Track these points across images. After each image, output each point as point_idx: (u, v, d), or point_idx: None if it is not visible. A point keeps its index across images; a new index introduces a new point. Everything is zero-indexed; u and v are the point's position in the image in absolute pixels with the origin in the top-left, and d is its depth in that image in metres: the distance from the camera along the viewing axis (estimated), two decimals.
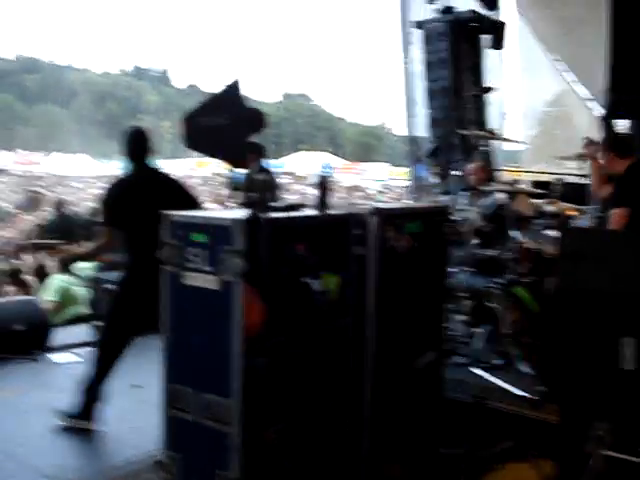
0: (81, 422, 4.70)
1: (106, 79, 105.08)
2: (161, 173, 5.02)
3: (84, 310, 7.98)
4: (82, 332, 7.35)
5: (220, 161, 4.94)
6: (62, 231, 10.48)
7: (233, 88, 3.77)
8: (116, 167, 50.57)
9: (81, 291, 8.17)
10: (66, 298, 8.01)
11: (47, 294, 7.94)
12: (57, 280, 8.16)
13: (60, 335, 6.96)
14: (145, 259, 4.48)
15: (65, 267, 8.51)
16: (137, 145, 4.86)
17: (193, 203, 4.89)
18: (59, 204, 11.92)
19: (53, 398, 5.42)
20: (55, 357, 6.47)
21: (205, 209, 4.89)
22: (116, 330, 4.81)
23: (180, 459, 3.37)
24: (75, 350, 6.66)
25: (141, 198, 4.67)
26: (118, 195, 4.76)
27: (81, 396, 4.74)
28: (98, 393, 4.76)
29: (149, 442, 4.23)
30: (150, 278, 4.40)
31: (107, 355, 4.80)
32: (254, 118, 3.75)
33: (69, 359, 6.45)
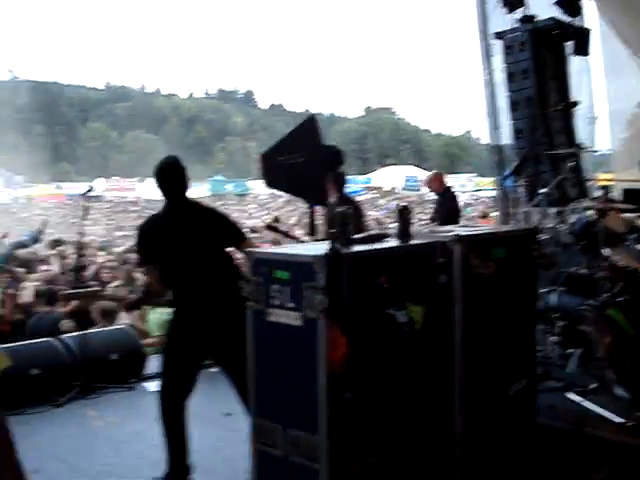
0: None
1: (193, 103, 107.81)
2: (200, 206, 4.68)
3: None
4: None
5: (300, 198, 4.89)
6: None
7: (309, 124, 3.79)
8: (206, 190, 51.84)
9: None
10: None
11: (150, 329, 8.16)
12: (158, 314, 8.30)
13: (155, 363, 7.12)
14: (189, 295, 4.40)
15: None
16: (170, 178, 4.51)
17: (237, 235, 4.57)
18: None
19: (148, 427, 5.55)
20: (150, 385, 6.61)
21: (249, 240, 4.62)
22: (172, 384, 4.57)
23: None
24: None
25: (177, 233, 4.39)
26: (152, 232, 4.50)
27: (169, 465, 4.51)
28: (181, 463, 4.50)
29: (240, 472, 4.29)
30: (198, 313, 4.42)
31: (169, 414, 4.57)
32: (331, 156, 3.75)
33: None
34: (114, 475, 4.71)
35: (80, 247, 6.87)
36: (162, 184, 4.48)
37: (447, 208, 9.24)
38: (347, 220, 3.31)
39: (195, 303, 4.36)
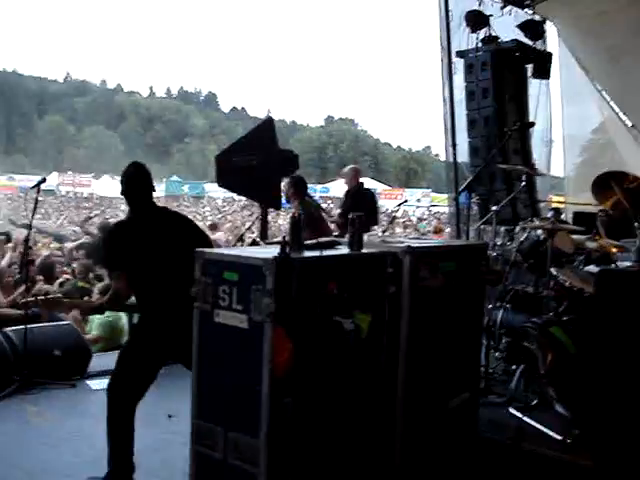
0: None
1: (153, 102, 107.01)
2: (168, 211, 4.75)
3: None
4: None
5: (251, 200, 4.88)
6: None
7: (266, 127, 3.79)
8: (161, 190, 51.41)
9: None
10: (110, 332, 8.10)
11: (91, 328, 8.07)
12: (108, 316, 8.19)
13: (99, 361, 7.03)
14: (159, 300, 4.34)
15: None
16: (137, 184, 4.48)
17: (204, 241, 4.51)
18: (103, 227, 12.02)
19: (88, 426, 5.48)
20: (93, 384, 6.52)
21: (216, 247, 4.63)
22: (128, 388, 4.41)
23: None
24: None
25: (148, 239, 4.34)
26: (121, 238, 4.42)
27: (110, 465, 4.37)
28: (127, 461, 4.36)
29: (180, 475, 4.24)
30: (167, 319, 4.36)
31: (120, 414, 4.40)
32: (287, 160, 3.75)
33: (105, 386, 6.48)
34: (50, 472, 4.63)
35: (27, 240, 6.73)
36: (129, 190, 4.44)
37: (366, 207, 9.07)
38: (299, 225, 3.32)
39: (164, 308, 4.30)
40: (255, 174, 3.67)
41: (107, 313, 8.12)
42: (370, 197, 9.86)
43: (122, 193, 4.48)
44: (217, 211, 40.04)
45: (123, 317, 8.25)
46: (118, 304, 4.36)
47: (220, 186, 4.27)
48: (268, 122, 3.70)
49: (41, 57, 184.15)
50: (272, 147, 3.65)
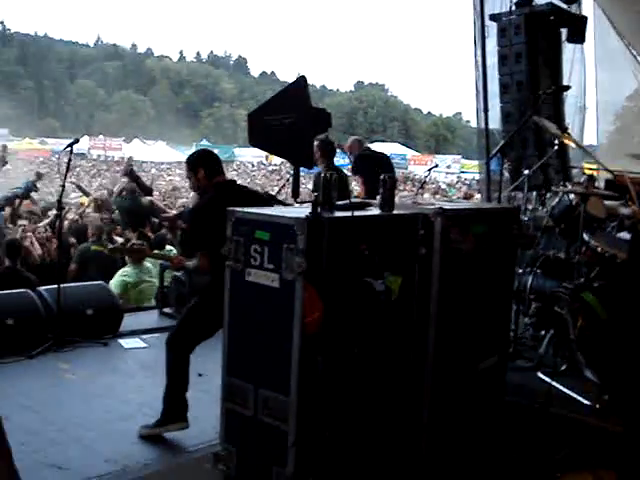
0: (169, 426, 4.63)
1: (183, 66, 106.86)
2: (248, 189, 5.00)
3: (148, 303, 8.16)
4: (151, 318, 7.54)
5: (284, 159, 4.91)
6: (132, 215, 10.75)
7: (299, 86, 3.76)
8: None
9: (149, 286, 8.33)
10: (130, 293, 8.20)
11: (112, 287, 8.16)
12: (120, 276, 8.31)
13: (130, 321, 7.13)
14: None
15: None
16: (216, 163, 4.79)
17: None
18: (132, 190, 12.08)
19: (120, 383, 5.58)
20: (124, 342, 6.63)
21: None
22: (189, 341, 4.71)
23: (237, 452, 3.41)
24: (143, 336, 6.83)
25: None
26: (205, 220, 4.58)
27: (165, 404, 4.68)
28: (182, 400, 4.69)
29: (209, 433, 4.33)
30: None
31: (180, 362, 4.73)
32: (320, 118, 3.72)
33: (137, 344, 6.60)
34: (82, 427, 4.72)
35: (60, 200, 6.79)
36: (210, 170, 4.67)
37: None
38: (331, 185, 3.31)
39: None
40: (288, 133, 3.66)
41: (127, 273, 8.27)
42: (385, 159, 9.55)
43: (197, 175, 4.67)
44: (246, 175, 40.01)
45: (144, 280, 8.36)
46: (202, 273, 4.59)
47: (252, 145, 4.27)
48: (301, 81, 3.67)
49: (72, 21, 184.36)
50: (305, 106, 3.62)
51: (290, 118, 3.64)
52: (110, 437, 4.60)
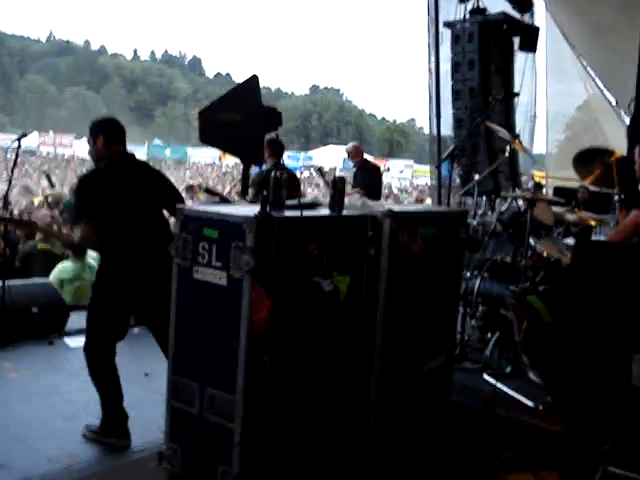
0: (109, 439, 4.52)
1: (137, 64, 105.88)
2: (147, 165, 4.94)
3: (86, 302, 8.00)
4: None
5: (234, 156, 4.91)
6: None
7: (251, 84, 3.76)
8: (143, 154, 51.08)
9: (87, 284, 8.19)
10: (65, 290, 8.03)
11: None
12: (56, 271, 8.14)
13: (77, 319, 7.03)
14: (127, 250, 4.42)
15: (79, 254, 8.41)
16: (117, 134, 4.63)
17: (178, 200, 4.65)
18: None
19: (65, 382, 5.51)
20: (70, 341, 6.54)
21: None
22: (103, 341, 4.54)
23: (182, 452, 3.39)
24: None
25: (124, 189, 4.45)
26: (95, 186, 4.46)
27: (103, 415, 4.58)
28: (119, 410, 4.56)
29: (154, 432, 4.29)
30: (134, 269, 4.42)
31: (104, 369, 4.57)
32: (270, 116, 3.72)
33: (83, 343, 6.50)
34: (26, 426, 4.65)
35: (6, 196, 6.68)
36: (111, 138, 4.53)
37: (368, 182, 9.40)
38: (280, 184, 3.31)
39: (132, 258, 4.37)
40: (238, 130, 3.65)
41: (66, 268, 8.11)
42: (377, 172, 10.22)
43: (97, 144, 4.55)
44: (199, 175, 39.76)
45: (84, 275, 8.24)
46: (87, 245, 4.45)
47: (202, 142, 4.25)
48: (253, 79, 3.67)
49: (24, 16, 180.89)
50: (256, 104, 3.62)
51: (241, 116, 3.64)
52: (54, 436, 4.55)
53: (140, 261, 4.36)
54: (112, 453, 4.40)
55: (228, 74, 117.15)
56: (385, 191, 27.20)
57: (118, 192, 4.39)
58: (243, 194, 4.12)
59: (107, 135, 4.57)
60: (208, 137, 4.07)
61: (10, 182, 6.70)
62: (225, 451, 3.17)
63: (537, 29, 10.62)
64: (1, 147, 44.59)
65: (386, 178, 31.78)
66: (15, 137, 6.57)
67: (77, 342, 6.45)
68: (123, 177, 4.50)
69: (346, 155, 10.21)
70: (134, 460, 4.31)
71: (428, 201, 18.17)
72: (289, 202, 3.40)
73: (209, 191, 5.73)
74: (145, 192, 4.53)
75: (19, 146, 6.37)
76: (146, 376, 5.57)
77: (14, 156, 6.61)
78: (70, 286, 7.95)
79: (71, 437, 4.55)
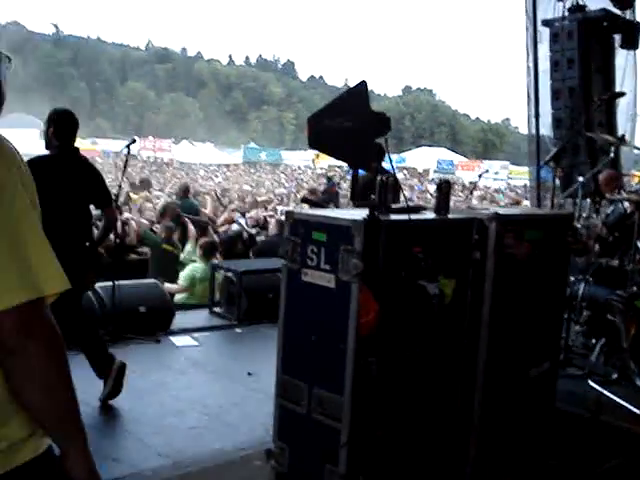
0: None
1: (232, 69, 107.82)
2: (86, 160, 5.22)
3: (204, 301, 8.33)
4: (201, 317, 7.66)
5: (344, 162, 4.97)
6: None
7: (359, 90, 3.81)
8: (239, 157, 51.87)
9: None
10: (196, 288, 8.41)
11: (181, 279, 8.50)
12: (189, 270, 8.62)
13: (181, 319, 7.26)
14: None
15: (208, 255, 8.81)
16: (69, 126, 4.95)
17: (107, 198, 5.15)
18: (185, 190, 12.37)
19: (172, 379, 5.69)
20: (176, 340, 6.75)
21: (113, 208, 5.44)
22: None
23: (290, 450, 3.47)
24: (194, 334, 6.94)
25: (62, 178, 4.75)
26: (38, 170, 4.73)
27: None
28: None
29: (259, 431, 4.40)
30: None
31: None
32: (379, 121, 3.76)
33: (188, 342, 6.71)
34: (136, 421, 4.83)
35: (117, 199, 6.94)
36: (59, 130, 4.89)
37: None
38: (387, 188, 3.36)
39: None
40: (348, 136, 3.70)
41: (198, 269, 8.54)
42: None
43: (48, 133, 4.91)
44: (293, 178, 40.19)
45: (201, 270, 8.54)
46: None
47: (312, 148, 4.32)
48: (362, 85, 3.71)
49: (123, 24, 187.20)
50: (365, 109, 3.67)
51: (350, 121, 3.69)
52: (163, 432, 4.69)
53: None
54: (218, 450, 4.51)
55: (321, 77, 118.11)
56: (481, 192, 26.87)
57: (52, 180, 4.58)
58: (353, 199, 4.17)
59: (57, 126, 4.91)
60: (317, 143, 4.14)
61: (120, 187, 6.97)
62: (332, 451, 3.24)
63: (639, 25, 10.28)
64: (104, 151, 46.25)
65: (482, 179, 31.34)
66: (121, 144, 6.84)
67: (183, 341, 6.68)
68: (61, 168, 4.83)
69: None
70: (241, 457, 4.40)
71: (525, 203, 17.84)
72: (395, 206, 3.44)
73: (307, 200, 5.84)
74: (76, 185, 4.86)
75: (129, 152, 6.62)
76: (249, 375, 5.69)
77: (123, 161, 6.88)
78: (201, 285, 8.40)
79: (179, 433, 4.69)
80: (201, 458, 4.42)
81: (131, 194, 14.55)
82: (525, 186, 29.81)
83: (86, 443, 1.73)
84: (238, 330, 7.19)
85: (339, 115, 3.74)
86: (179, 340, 6.68)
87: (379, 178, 3.32)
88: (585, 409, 4.61)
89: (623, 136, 8.04)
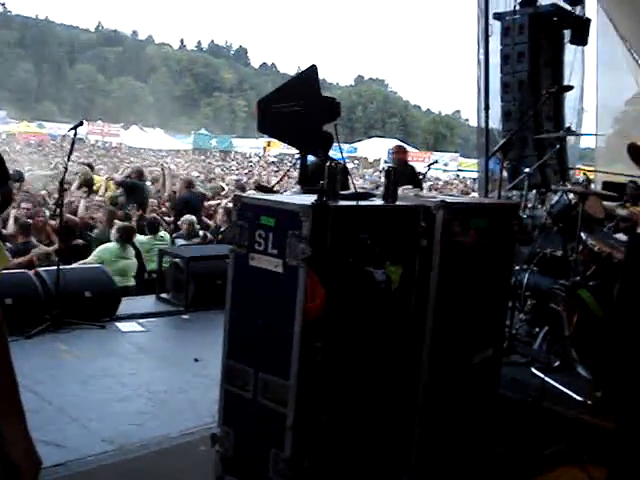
0: None
1: (184, 54, 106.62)
2: None
3: (129, 283, 8.21)
4: (148, 303, 7.59)
5: (292, 147, 4.95)
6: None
7: (310, 74, 3.78)
8: (189, 143, 51.33)
9: (129, 263, 8.41)
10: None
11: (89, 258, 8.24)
12: (101, 250, 8.42)
13: (127, 305, 7.18)
14: None
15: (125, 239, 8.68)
16: None
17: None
18: (140, 173, 12.45)
19: (117, 365, 5.64)
20: (122, 325, 6.68)
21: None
22: None
23: (235, 435, 3.46)
24: (140, 320, 6.88)
25: None
26: None
27: None
28: None
29: (205, 416, 4.39)
30: None
31: None
32: (329, 107, 3.75)
33: (135, 328, 6.65)
34: (80, 407, 4.78)
35: (62, 181, 6.82)
36: None
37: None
38: (335, 174, 3.35)
39: None
40: (297, 121, 3.68)
41: (110, 249, 8.48)
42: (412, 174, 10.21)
43: None
44: (244, 166, 39.97)
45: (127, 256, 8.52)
46: None
47: (260, 132, 4.29)
48: (312, 69, 3.69)
49: (73, 5, 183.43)
50: (315, 94, 3.65)
51: (300, 106, 3.67)
52: (107, 417, 4.66)
53: None
54: (164, 435, 4.49)
55: (274, 64, 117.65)
56: (431, 183, 27.09)
57: None
58: (300, 184, 4.16)
59: None
60: (266, 127, 4.11)
61: (66, 169, 6.85)
62: (277, 435, 3.23)
63: (588, 21, 10.46)
64: (51, 135, 45.39)
65: (432, 171, 31.58)
66: (66, 127, 6.72)
67: (128, 327, 6.62)
68: None
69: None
70: (185, 443, 4.39)
71: (474, 194, 18.06)
72: (344, 192, 3.45)
73: (260, 187, 5.82)
74: None
75: (75, 134, 6.50)
76: (196, 361, 5.67)
77: (69, 144, 6.76)
78: (113, 265, 8.17)
79: (124, 418, 4.66)
80: (146, 444, 4.40)
81: (95, 176, 14.34)
82: (474, 178, 30.18)
83: (26, 426, 1.71)
84: (185, 316, 7.15)
85: (289, 99, 3.72)
86: (125, 326, 6.62)
87: (328, 164, 3.32)
88: (528, 396, 4.70)
89: (569, 127, 8.18)
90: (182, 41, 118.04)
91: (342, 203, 3.32)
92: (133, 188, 11.68)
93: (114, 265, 8.11)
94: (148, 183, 13.67)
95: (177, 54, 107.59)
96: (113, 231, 8.80)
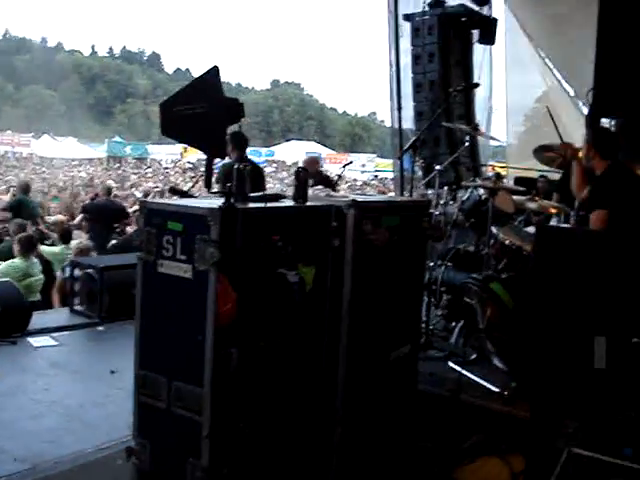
0: None
1: (95, 61, 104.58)
2: None
3: (34, 299, 7.98)
4: (61, 316, 7.36)
5: (197, 149, 4.89)
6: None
7: (212, 75, 3.74)
8: (103, 151, 50.37)
9: (36, 280, 8.18)
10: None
11: None
12: (6, 267, 8.19)
13: (39, 319, 6.94)
14: None
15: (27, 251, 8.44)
16: None
17: None
18: (26, 187, 12.24)
19: (30, 382, 5.43)
20: (34, 340, 6.45)
21: None
22: None
23: (151, 446, 3.38)
24: (54, 334, 6.65)
25: None
26: None
27: None
28: None
29: (122, 429, 4.26)
30: None
31: None
32: (232, 108, 3.71)
33: (47, 343, 6.43)
34: None
35: None
36: None
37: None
38: (244, 176, 3.31)
39: None
40: (200, 123, 3.63)
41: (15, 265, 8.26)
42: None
43: None
44: (160, 173, 39.44)
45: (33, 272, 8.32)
46: None
47: (164, 135, 4.22)
48: (213, 70, 3.65)
49: None
50: (217, 95, 3.61)
51: (202, 108, 3.62)
52: (20, 436, 4.46)
53: None
54: (79, 452, 4.34)
55: (188, 69, 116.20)
56: (349, 185, 27.31)
57: None
58: (207, 187, 4.10)
59: None
60: (169, 130, 4.04)
61: None
62: (194, 444, 3.17)
63: (495, 21, 10.72)
64: None
65: (350, 172, 31.85)
66: None
67: (41, 341, 6.39)
68: None
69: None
70: (101, 457, 4.25)
71: (391, 194, 18.27)
72: (253, 195, 3.41)
73: (174, 190, 5.74)
74: None
75: None
76: (112, 373, 5.51)
77: None
78: (20, 283, 7.89)
79: (37, 436, 4.48)
80: (60, 461, 4.24)
81: None
82: (391, 178, 30.58)
83: None
84: (100, 328, 6.95)
85: (192, 101, 3.67)
86: (37, 341, 6.38)
87: (236, 166, 3.28)
88: (446, 390, 4.75)
89: (477, 125, 8.35)
90: (93, 47, 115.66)
91: (251, 205, 3.28)
92: (19, 207, 11.54)
93: (19, 284, 7.85)
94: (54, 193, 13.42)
95: (88, 61, 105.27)
96: (14, 245, 8.55)
